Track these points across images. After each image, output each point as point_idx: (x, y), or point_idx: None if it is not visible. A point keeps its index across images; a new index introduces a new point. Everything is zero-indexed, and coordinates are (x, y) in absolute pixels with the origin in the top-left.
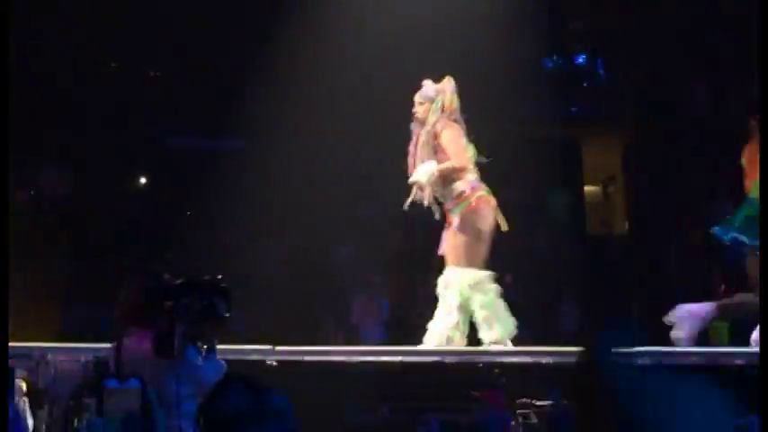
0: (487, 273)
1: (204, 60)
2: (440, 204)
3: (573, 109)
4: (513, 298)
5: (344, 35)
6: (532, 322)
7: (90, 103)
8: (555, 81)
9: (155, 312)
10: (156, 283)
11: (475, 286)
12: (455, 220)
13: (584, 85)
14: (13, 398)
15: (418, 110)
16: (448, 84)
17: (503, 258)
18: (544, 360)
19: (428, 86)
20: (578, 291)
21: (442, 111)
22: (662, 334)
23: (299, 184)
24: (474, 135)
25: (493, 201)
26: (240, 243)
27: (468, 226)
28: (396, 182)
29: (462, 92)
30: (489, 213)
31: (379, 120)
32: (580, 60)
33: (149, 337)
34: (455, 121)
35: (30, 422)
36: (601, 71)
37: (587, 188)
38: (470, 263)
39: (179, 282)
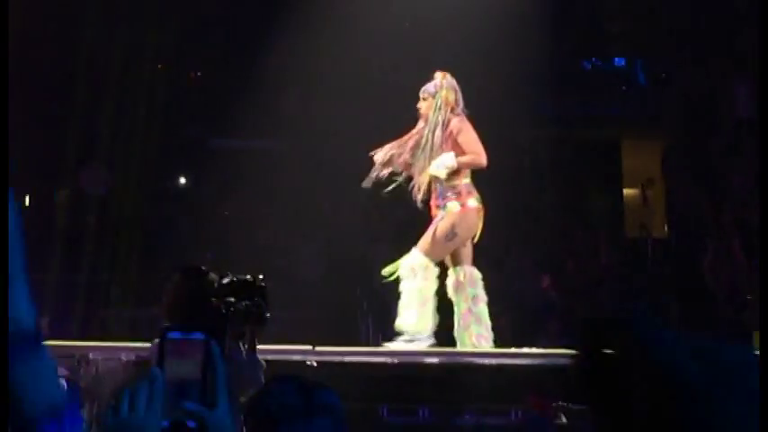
0: (432, 264)
1: (244, 61)
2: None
3: (612, 111)
4: (551, 300)
5: (382, 37)
6: (570, 325)
7: (130, 104)
8: (594, 83)
9: (201, 311)
10: (202, 282)
11: (417, 269)
12: (441, 214)
13: (624, 87)
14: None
15: (421, 105)
16: (443, 79)
17: (541, 260)
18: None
19: (430, 83)
20: (618, 294)
21: (444, 106)
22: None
23: (338, 183)
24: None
25: (482, 210)
26: (279, 243)
27: (449, 226)
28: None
29: (501, 93)
30: (474, 221)
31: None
32: (620, 62)
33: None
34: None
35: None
36: (641, 73)
37: (626, 191)
38: (429, 255)
39: (225, 281)
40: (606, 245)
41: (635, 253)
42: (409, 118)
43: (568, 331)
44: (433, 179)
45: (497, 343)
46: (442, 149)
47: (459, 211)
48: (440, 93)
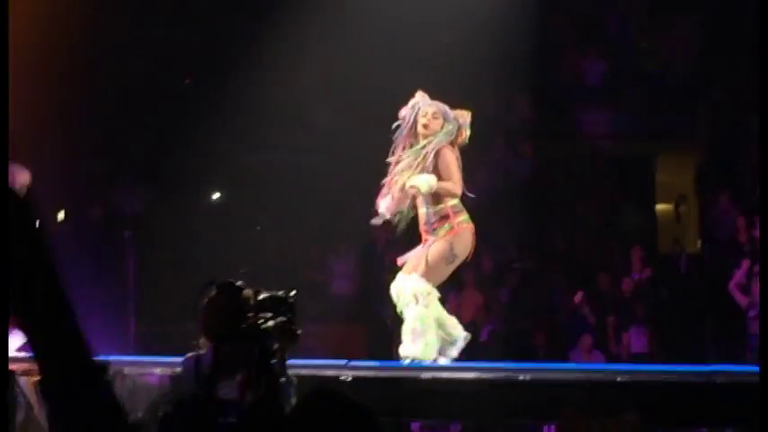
0: (434, 289)
1: (276, 75)
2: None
3: (644, 126)
4: (585, 315)
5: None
6: (605, 340)
7: (161, 119)
8: (627, 98)
9: (237, 327)
10: (237, 298)
11: (419, 296)
12: (432, 239)
13: (657, 102)
14: None
15: (431, 122)
16: (468, 116)
17: (576, 276)
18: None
19: (445, 106)
20: (651, 310)
21: (455, 138)
22: (734, 353)
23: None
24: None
25: (472, 227)
26: (312, 257)
27: (446, 248)
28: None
29: (533, 108)
30: (469, 240)
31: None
32: (652, 77)
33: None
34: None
35: None
36: (673, 87)
37: (659, 206)
38: (430, 280)
39: (262, 297)
40: (639, 260)
41: (668, 268)
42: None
43: (601, 346)
44: (419, 203)
45: (530, 357)
46: (426, 171)
47: (453, 232)
48: (454, 123)
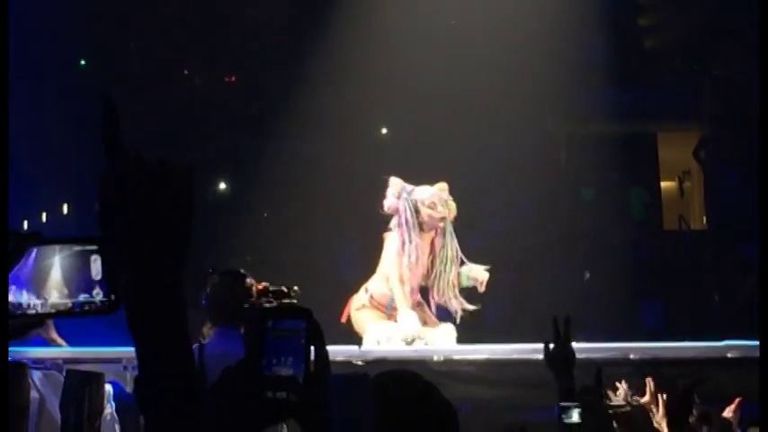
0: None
1: (280, 65)
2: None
3: (647, 103)
4: (592, 294)
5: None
6: (612, 319)
7: (166, 109)
8: (630, 75)
9: (239, 310)
10: (240, 285)
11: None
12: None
13: (661, 79)
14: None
15: (444, 212)
16: (446, 188)
17: (581, 255)
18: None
19: (441, 192)
20: (657, 287)
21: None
22: (741, 329)
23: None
24: None
25: None
26: (318, 244)
27: None
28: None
29: (536, 88)
30: None
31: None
32: (654, 54)
33: (234, 336)
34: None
35: (117, 427)
36: (677, 65)
37: (663, 183)
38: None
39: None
40: (645, 238)
41: (674, 245)
42: (444, 124)
43: (609, 324)
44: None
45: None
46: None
47: None
48: (451, 205)
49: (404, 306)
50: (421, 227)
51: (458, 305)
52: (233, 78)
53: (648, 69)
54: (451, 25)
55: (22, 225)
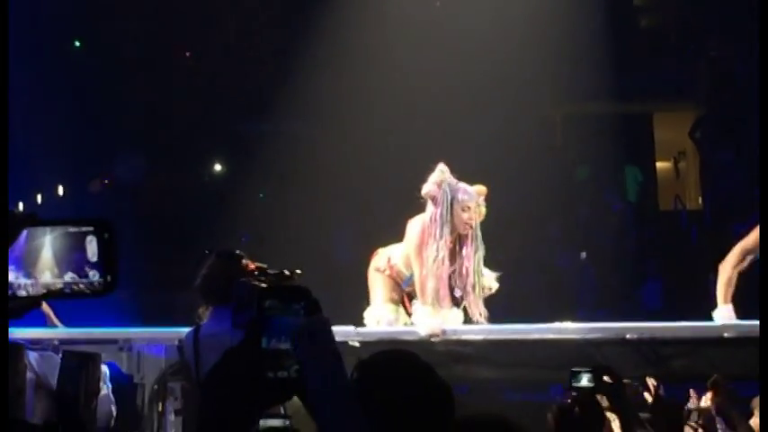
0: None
1: (278, 45)
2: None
3: (643, 84)
4: (589, 275)
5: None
6: (609, 299)
7: (162, 91)
8: (625, 55)
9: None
10: (236, 265)
11: None
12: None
13: (655, 58)
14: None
15: (474, 219)
16: (484, 193)
17: (577, 235)
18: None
19: (467, 193)
20: (653, 267)
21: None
22: (738, 309)
23: (371, 165)
24: None
25: None
26: (313, 225)
27: None
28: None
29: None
30: None
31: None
32: (648, 34)
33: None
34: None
35: (113, 408)
36: (673, 45)
37: (659, 164)
38: None
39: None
40: (641, 217)
41: (670, 225)
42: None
43: (605, 304)
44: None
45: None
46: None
47: None
48: (482, 210)
49: (421, 299)
50: (450, 225)
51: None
52: (229, 59)
53: (644, 49)
54: (448, 9)
55: (17, 206)
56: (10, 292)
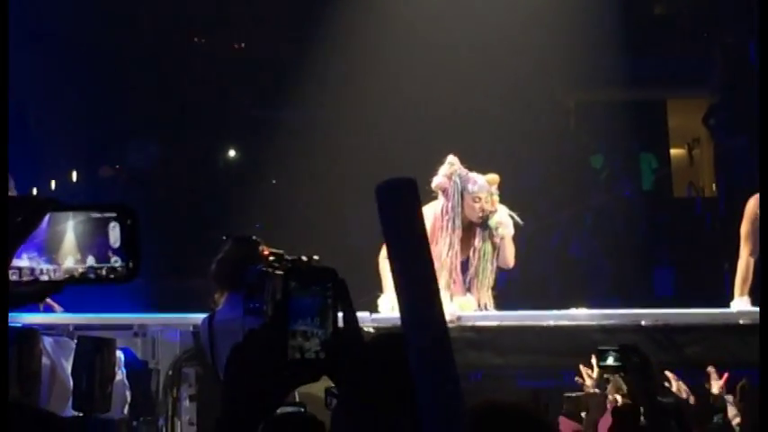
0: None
1: (288, 31)
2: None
3: (657, 71)
4: (602, 262)
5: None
6: (623, 286)
7: (176, 77)
8: (638, 42)
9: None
10: (252, 251)
11: None
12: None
13: (669, 45)
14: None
15: (487, 210)
16: (497, 182)
17: (591, 223)
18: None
19: (483, 180)
20: (667, 254)
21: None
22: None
23: (386, 150)
24: None
25: None
26: (328, 210)
27: None
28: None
29: (545, 56)
30: None
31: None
32: (663, 20)
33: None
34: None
35: (128, 393)
36: (687, 32)
37: (673, 151)
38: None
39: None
40: (655, 205)
41: (684, 212)
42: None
43: (618, 291)
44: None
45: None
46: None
47: None
48: (495, 200)
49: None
50: (462, 216)
51: (483, 299)
52: (243, 45)
53: (658, 36)
54: None
55: (30, 192)
56: (32, 277)
